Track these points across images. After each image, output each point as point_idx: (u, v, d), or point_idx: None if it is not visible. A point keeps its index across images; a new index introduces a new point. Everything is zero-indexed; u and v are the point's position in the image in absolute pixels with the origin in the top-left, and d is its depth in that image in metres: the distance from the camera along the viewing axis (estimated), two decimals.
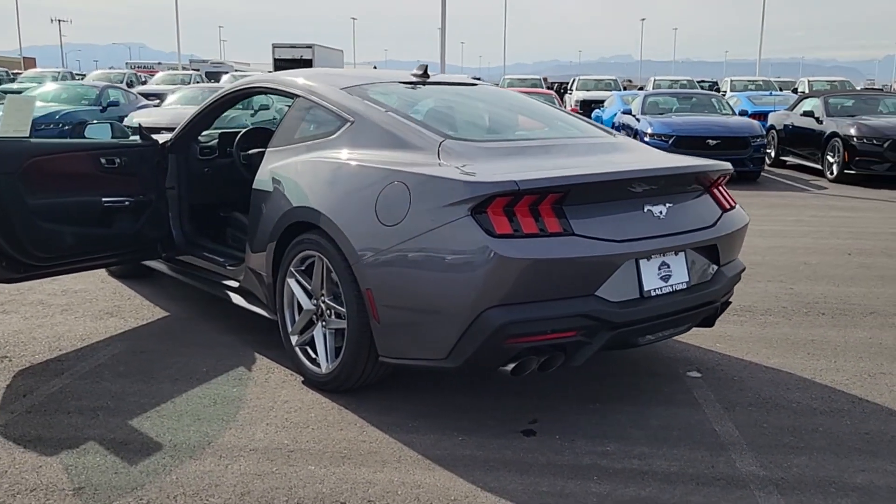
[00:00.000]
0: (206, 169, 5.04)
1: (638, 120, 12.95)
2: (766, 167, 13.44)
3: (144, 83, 28.60)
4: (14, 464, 2.87)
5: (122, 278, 5.55)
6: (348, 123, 3.67)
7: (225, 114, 5.04)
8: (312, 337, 3.63)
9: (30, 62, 60.82)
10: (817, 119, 13.06)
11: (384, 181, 3.23)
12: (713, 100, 14.31)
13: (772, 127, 14.67)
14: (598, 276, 3.06)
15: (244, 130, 5.09)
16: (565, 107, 21.70)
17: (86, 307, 4.88)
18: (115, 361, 3.94)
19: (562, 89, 32.36)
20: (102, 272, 5.61)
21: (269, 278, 3.83)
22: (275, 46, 41.12)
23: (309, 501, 2.65)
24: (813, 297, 5.33)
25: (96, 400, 3.47)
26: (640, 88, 32.48)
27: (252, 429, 3.19)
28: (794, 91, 26.27)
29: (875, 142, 11.68)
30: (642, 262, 3.20)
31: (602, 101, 20.86)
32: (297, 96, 4.05)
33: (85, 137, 4.63)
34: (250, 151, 4.97)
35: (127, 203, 4.46)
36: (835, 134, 12.32)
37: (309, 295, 3.64)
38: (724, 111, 13.77)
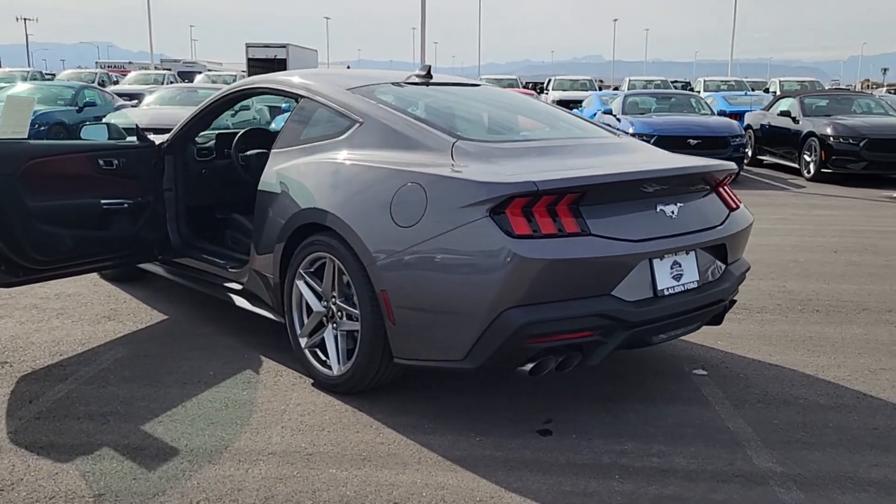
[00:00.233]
0: (204, 170, 4.99)
1: (619, 120, 13.04)
2: (745, 166, 13.61)
3: (116, 83, 28.27)
4: (29, 471, 2.82)
5: (115, 281, 5.47)
6: (357, 124, 3.66)
7: None
8: (322, 339, 3.61)
9: None
10: (794, 119, 13.26)
11: (399, 182, 3.22)
12: (692, 100, 14.46)
13: (749, 126, 14.86)
14: (615, 276, 3.08)
15: (242, 131, 5.04)
16: None
17: (81, 311, 4.81)
18: (119, 366, 3.89)
19: (537, 89, 32.50)
20: (94, 275, 5.53)
21: (277, 280, 3.80)
22: (248, 46, 40.77)
23: None
24: (806, 295, 5.41)
25: (105, 405, 3.41)
26: (616, 88, 32.72)
27: (268, 432, 3.17)
28: (766, 91, 26.65)
29: (851, 141, 11.89)
30: (655, 262, 3.23)
31: (579, 102, 20.99)
32: (302, 97, 4.02)
33: (80, 138, 4.56)
34: (248, 153, 4.94)
35: (125, 205, 4.40)
36: (812, 133, 12.52)
37: (318, 297, 3.61)
38: (703, 111, 13.92)
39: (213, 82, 26.19)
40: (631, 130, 12.24)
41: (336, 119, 3.78)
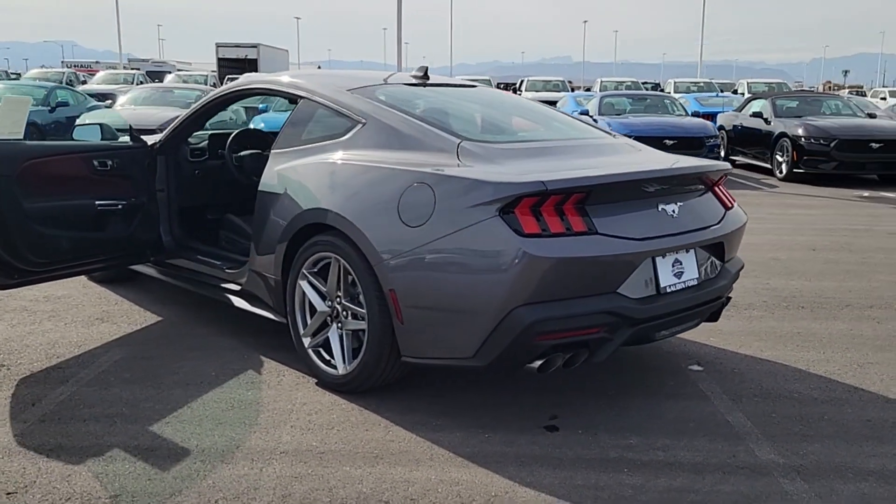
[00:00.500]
0: (197, 171, 4.97)
1: (596, 121, 13.16)
2: None
3: (84, 83, 27.85)
4: (41, 473, 2.81)
5: (104, 283, 5.43)
6: (359, 125, 3.68)
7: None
8: (327, 339, 3.63)
9: None
10: (766, 120, 13.50)
11: (406, 182, 3.25)
12: (666, 101, 14.66)
13: (721, 127, 15.10)
14: (621, 274, 3.15)
15: (235, 132, 5.03)
16: None
17: (73, 313, 4.76)
18: (119, 368, 3.87)
19: (510, 90, 32.65)
20: (83, 277, 5.47)
21: (279, 280, 3.81)
22: (218, 46, 40.39)
23: (353, 501, 2.66)
24: (789, 292, 5.53)
25: (109, 407, 3.40)
26: (588, 89, 33.00)
27: (277, 432, 3.18)
28: (734, 92, 27.05)
29: (822, 141, 12.14)
30: (658, 260, 3.29)
31: (552, 103, 21.14)
32: (302, 98, 4.03)
33: (72, 139, 4.52)
34: (242, 153, 4.94)
35: (119, 206, 4.38)
36: (783, 134, 12.76)
37: (322, 297, 3.63)
38: (677, 112, 14.12)
39: (185, 82, 25.94)
40: (608, 131, 12.37)
41: (338, 120, 3.80)
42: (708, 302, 3.56)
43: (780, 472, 2.92)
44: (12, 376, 3.75)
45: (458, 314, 3.09)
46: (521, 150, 3.52)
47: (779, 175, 12.80)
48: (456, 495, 2.72)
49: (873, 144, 12.04)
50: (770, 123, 13.30)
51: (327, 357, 3.64)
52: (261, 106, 13.08)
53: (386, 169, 3.38)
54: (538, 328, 3.00)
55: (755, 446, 3.12)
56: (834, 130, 12.23)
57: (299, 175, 3.73)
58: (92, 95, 17.43)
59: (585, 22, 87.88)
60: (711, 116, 16.49)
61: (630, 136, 11.99)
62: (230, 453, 2.99)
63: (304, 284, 3.68)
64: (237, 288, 4.20)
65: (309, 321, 3.70)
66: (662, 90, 29.20)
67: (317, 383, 3.67)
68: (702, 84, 27.85)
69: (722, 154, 14.64)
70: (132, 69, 37.89)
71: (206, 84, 24.27)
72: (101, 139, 4.53)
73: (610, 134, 4.19)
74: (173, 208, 4.74)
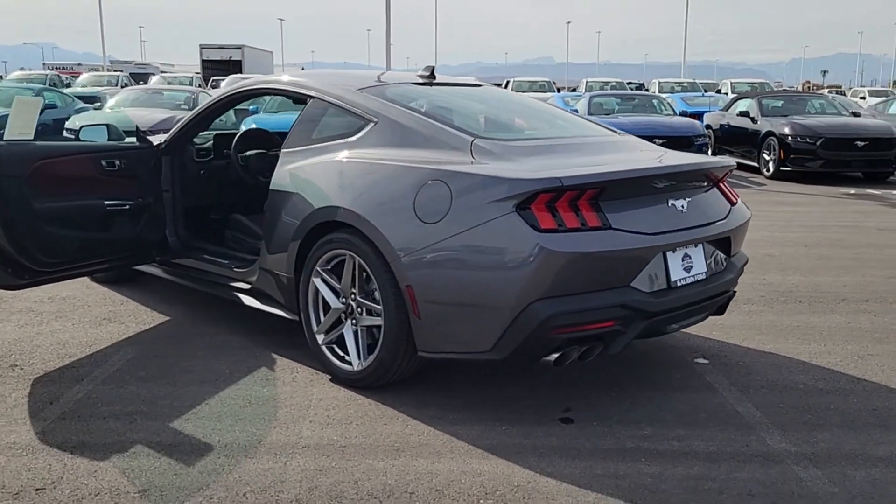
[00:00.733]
0: (202, 171, 4.99)
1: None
2: None
3: (68, 85, 27.63)
4: (67, 470, 2.83)
5: (106, 283, 5.43)
6: (371, 124, 3.72)
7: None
8: (341, 335, 3.67)
9: None
10: (752, 119, 13.66)
11: (422, 179, 3.30)
12: (654, 101, 14.79)
13: (708, 126, 15.25)
14: (634, 268, 3.21)
15: (241, 132, 5.06)
16: None
17: (80, 313, 4.77)
18: (132, 366, 3.89)
19: None
20: (85, 278, 5.47)
21: (291, 278, 3.84)
22: (202, 47, 40.29)
23: (379, 493, 2.71)
24: (786, 287, 5.63)
25: (128, 404, 3.42)
26: (573, 90, 33.15)
27: (297, 427, 3.22)
28: (718, 92, 27.30)
29: (808, 140, 12.31)
30: (669, 254, 3.36)
31: None
32: (311, 98, 4.06)
33: (79, 140, 4.54)
34: (248, 153, 4.97)
35: (127, 206, 4.40)
36: (770, 133, 12.92)
37: (336, 293, 3.67)
38: (665, 112, 14.25)
39: (170, 84, 25.82)
40: None
41: (349, 119, 3.84)
42: (716, 295, 3.63)
43: (792, 459, 2.99)
44: (26, 376, 3.76)
45: (476, 309, 3.15)
46: (532, 148, 3.58)
47: (766, 173, 12.96)
48: (480, 486, 2.77)
49: (858, 143, 12.22)
50: (757, 122, 13.47)
51: (341, 353, 3.68)
52: (251, 107, 13.07)
53: (401, 167, 3.42)
54: (554, 322, 3.06)
55: (766, 435, 3.20)
56: (820, 129, 12.40)
57: (312, 174, 3.77)
58: (78, 97, 17.33)
59: (569, 23, 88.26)
60: (698, 116, 16.65)
61: None
62: (253, 448, 3.02)
63: (317, 282, 3.71)
64: (247, 286, 4.22)
65: (322, 318, 3.74)
66: (647, 90, 29.41)
67: (331, 379, 3.71)
68: (686, 84, 28.08)
69: (709, 153, 14.80)
70: (115, 71, 37.68)
71: (192, 85, 24.16)
72: (108, 139, 4.55)
73: (615, 132, 4.26)
74: (178, 208, 4.76)
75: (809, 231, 7.97)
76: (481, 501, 2.68)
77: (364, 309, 3.55)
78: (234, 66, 37.90)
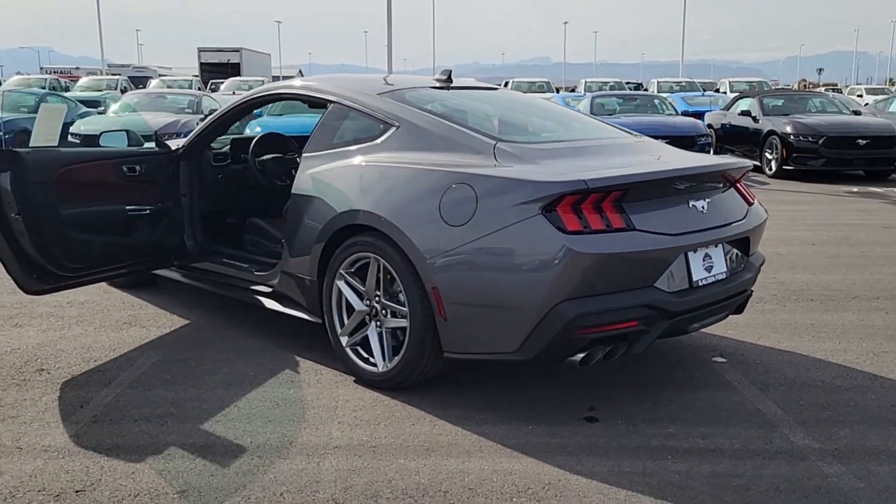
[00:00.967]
0: (220, 175, 5.03)
1: None
2: None
3: (67, 89, 27.64)
4: (104, 472, 2.87)
5: (124, 288, 5.47)
6: (393, 128, 3.77)
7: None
8: (365, 337, 3.72)
9: None
10: (754, 118, 13.72)
11: (447, 182, 3.34)
12: (656, 101, 14.86)
13: (710, 126, 15.31)
14: (657, 269, 3.26)
15: (258, 136, 5.11)
16: None
17: (101, 318, 4.81)
18: (158, 370, 3.93)
19: None
20: (103, 283, 5.51)
21: (314, 281, 3.88)
22: (200, 50, 40.33)
23: (413, 492, 2.76)
24: (797, 285, 5.69)
25: (157, 407, 3.47)
26: (572, 90, 33.22)
27: (326, 428, 3.26)
28: (716, 91, 27.39)
29: (810, 139, 12.38)
30: (690, 255, 3.41)
31: None
32: (332, 103, 4.11)
33: (99, 146, 4.59)
34: (265, 157, 5.01)
35: (147, 211, 4.45)
36: (772, 132, 12.99)
37: (360, 296, 3.71)
38: (667, 111, 14.31)
39: (170, 87, 25.85)
40: None
41: (370, 123, 3.89)
42: (735, 295, 3.69)
43: (816, 455, 3.05)
44: (54, 380, 3.80)
45: (503, 310, 3.19)
46: (554, 150, 3.63)
47: (768, 172, 13.02)
48: (511, 484, 2.82)
49: (860, 141, 12.29)
50: (758, 122, 13.53)
51: (366, 355, 3.72)
52: (256, 111, 13.11)
53: (425, 170, 3.47)
54: (580, 322, 3.10)
55: (789, 432, 3.25)
56: (822, 128, 12.47)
57: (335, 178, 3.81)
58: (80, 102, 17.37)
59: (566, 23, 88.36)
60: (699, 115, 16.72)
61: None
62: (285, 449, 3.07)
63: (341, 284, 3.76)
64: (268, 290, 4.27)
65: (346, 320, 3.79)
66: (646, 90, 29.49)
67: (355, 381, 3.75)
68: (684, 83, 28.16)
69: (712, 152, 14.86)
70: (113, 74, 37.70)
71: (192, 88, 24.20)
72: (128, 145, 4.60)
73: (632, 134, 4.31)
74: (196, 213, 4.80)
75: (814, 230, 8.02)
76: (514, 499, 2.73)
77: (388, 311, 3.60)
78: (233, 69, 37.95)
